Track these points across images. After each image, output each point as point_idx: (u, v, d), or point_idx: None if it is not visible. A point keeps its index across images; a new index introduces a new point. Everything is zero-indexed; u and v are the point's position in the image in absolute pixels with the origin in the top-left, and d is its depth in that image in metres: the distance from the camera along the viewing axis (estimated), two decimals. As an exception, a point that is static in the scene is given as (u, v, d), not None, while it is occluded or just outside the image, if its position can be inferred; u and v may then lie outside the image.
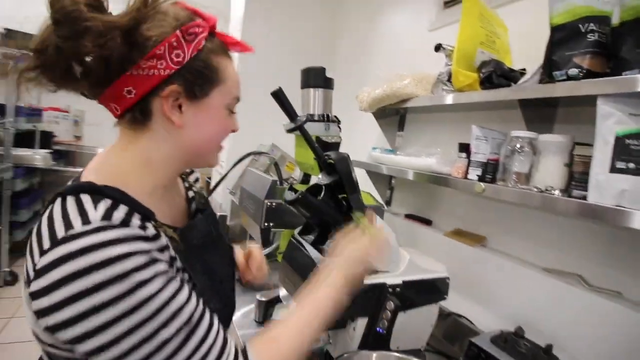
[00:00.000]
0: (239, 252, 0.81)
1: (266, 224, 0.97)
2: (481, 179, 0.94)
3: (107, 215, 0.44)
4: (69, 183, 0.52)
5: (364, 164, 1.41)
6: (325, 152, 0.73)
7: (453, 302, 1.11)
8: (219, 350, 0.47)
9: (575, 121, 0.90)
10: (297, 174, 1.84)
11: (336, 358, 0.64)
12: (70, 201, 0.45)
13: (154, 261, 0.44)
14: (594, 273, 0.85)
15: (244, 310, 1.05)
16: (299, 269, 0.76)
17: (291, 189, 0.72)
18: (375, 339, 0.75)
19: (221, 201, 2.07)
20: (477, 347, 0.76)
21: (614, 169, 0.64)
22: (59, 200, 0.46)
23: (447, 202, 1.31)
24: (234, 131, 0.61)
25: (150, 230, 0.48)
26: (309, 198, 0.70)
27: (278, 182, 1.08)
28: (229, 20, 2.29)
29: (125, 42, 0.47)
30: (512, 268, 1.00)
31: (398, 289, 0.76)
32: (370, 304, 0.74)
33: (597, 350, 0.77)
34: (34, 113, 3.21)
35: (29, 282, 0.42)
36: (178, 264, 0.52)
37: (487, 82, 0.92)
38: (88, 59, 0.48)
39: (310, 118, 1.06)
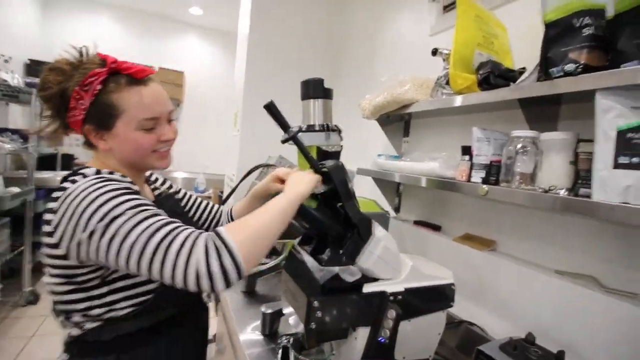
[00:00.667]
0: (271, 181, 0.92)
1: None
2: (485, 181, 0.92)
3: (97, 171, 0.71)
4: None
5: (371, 171, 1.40)
6: (326, 160, 0.73)
7: (464, 310, 1.07)
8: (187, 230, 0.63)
9: (579, 117, 0.88)
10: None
11: (338, 369, 0.63)
12: (72, 177, 0.69)
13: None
14: (609, 274, 0.81)
15: (252, 325, 1.04)
16: (298, 279, 0.76)
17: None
18: (379, 349, 0.73)
19: (232, 214, 2.09)
20: (485, 355, 0.73)
21: (617, 165, 0.62)
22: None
23: (456, 206, 1.28)
24: (165, 141, 0.76)
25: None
26: (305, 208, 0.70)
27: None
28: (236, 37, 2.36)
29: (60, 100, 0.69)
30: (523, 272, 0.96)
31: (400, 297, 0.74)
32: (371, 312, 0.73)
33: (613, 356, 0.73)
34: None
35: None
36: None
37: (485, 83, 0.91)
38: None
39: (311, 128, 1.07)
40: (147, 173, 0.91)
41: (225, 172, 2.39)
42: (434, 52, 1.07)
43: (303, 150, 0.72)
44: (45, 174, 3.00)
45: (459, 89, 0.97)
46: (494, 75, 0.89)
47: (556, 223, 0.94)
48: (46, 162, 3.13)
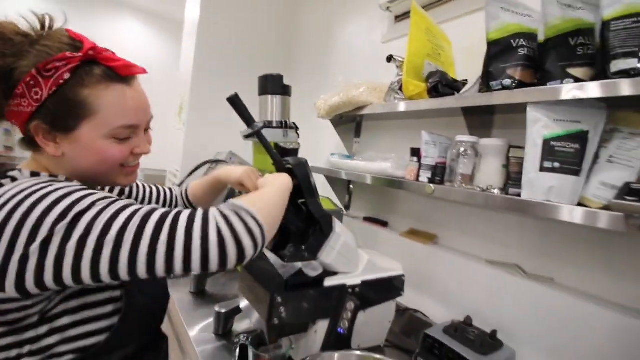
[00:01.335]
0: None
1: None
2: (431, 181, 1.01)
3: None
4: None
5: (324, 169, 1.44)
6: (283, 158, 0.74)
7: (408, 298, 1.16)
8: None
9: (510, 126, 1.00)
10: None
11: (299, 361, 0.64)
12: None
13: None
14: (530, 262, 0.94)
15: (202, 324, 1.01)
16: (259, 275, 0.76)
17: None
18: (337, 340, 0.76)
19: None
20: (431, 338, 0.80)
21: (542, 168, 0.72)
22: None
23: (402, 204, 1.38)
24: (138, 154, 0.61)
25: None
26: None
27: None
28: (181, 26, 2.23)
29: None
30: (460, 262, 1.07)
31: (357, 289, 0.78)
32: (331, 305, 0.75)
33: (536, 331, 0.85)
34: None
35: None
36: None
37: (434, 92, 0.99)
38: None
39: (269, 125, 1.06)
40: None
41: (167, 167, 2.25)
42: (389, 58, 1.13)
43: (267, 146, 0.72)
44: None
45: (411, 95, 1.05)
46: (442, 85, 0.97)
47: (487, 218, 1.06)
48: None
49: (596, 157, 0.70)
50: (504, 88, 0.80)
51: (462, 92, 0.93)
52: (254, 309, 0.76)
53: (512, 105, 0.80)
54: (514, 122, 0.98)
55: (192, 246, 0.47)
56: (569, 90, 0.67)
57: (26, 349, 0.50)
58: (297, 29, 2.24)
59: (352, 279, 0.78)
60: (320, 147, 1.84)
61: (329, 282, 0.75)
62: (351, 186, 1.62)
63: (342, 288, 0.76)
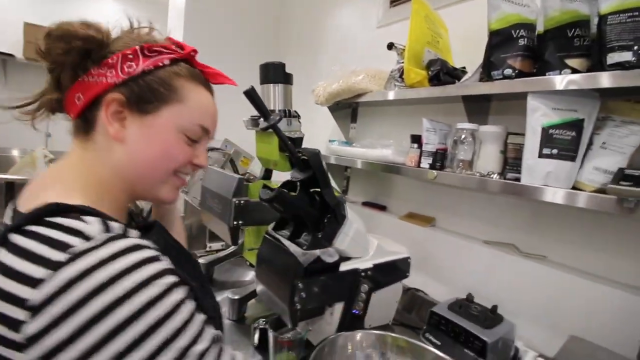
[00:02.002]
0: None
1: (235, 223, 0.97)
2: (432, 166, 1.05)
3: (105, 227, 0.41)
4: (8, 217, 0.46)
5: (323, 156, 1.46)
6: (303, 148, 0.76)
7: (410, 278, 1.22)
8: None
9: (506, 113, 1.04)
10: (252, 169, 1.83)
11: (319, 343, 0.68)
12: (42, 229, 0.39)
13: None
14: (524, 242, 1.01)
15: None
16: (276, 263, 0.79)
17: (265, 187, 0.74)
18: (352, 321, 0.81)
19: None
20: (437, 315, 0.86)
21: (541, 155, 0.77)
22: (16, 236, 0.39)
23: (400, 189, 1.42)
24: (197, 165, 0.58)
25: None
26: (286, 195, 0.72)
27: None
28: (166, 13, 2.15)
29: (82, 51, 0.48)
30: (458, 243, 1.13)
31: (369, 272, 0.82)
32: (345, 288, 0.80)
33: (532, 305, 0.93)
34: None
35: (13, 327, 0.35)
36: None
37: (435, 80, 1.02)
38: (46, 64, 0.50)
39: (285, 116, 1.06)
40: None
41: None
42: (390, 46, 1.14)
43: (283, 138, 0.73)
44: None
45: (411, 83, 1.07)
46: (443, 73, 1.00)
47: (483, 201, 1.12)
48: None
49: (590, 143, 0.76)
50: (505, 77, 0.84)
51: (462, 80, 0.96)
52: (273, 295, 0.79)
53: (512, 94, 0.84)
54: (510, 108, 1.03)
55: None
56: (569, 81, 0.71)
57: None
58: (286, 13, 2.20)
59: (364, 263, 0.82)
60: (314, 134, 1.85)
61: (343, 267, 0.79)
62: (348, 171, 1.65)
63: (356, 272, 0.80)
